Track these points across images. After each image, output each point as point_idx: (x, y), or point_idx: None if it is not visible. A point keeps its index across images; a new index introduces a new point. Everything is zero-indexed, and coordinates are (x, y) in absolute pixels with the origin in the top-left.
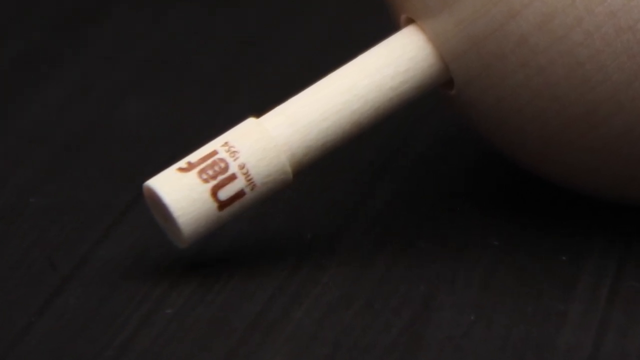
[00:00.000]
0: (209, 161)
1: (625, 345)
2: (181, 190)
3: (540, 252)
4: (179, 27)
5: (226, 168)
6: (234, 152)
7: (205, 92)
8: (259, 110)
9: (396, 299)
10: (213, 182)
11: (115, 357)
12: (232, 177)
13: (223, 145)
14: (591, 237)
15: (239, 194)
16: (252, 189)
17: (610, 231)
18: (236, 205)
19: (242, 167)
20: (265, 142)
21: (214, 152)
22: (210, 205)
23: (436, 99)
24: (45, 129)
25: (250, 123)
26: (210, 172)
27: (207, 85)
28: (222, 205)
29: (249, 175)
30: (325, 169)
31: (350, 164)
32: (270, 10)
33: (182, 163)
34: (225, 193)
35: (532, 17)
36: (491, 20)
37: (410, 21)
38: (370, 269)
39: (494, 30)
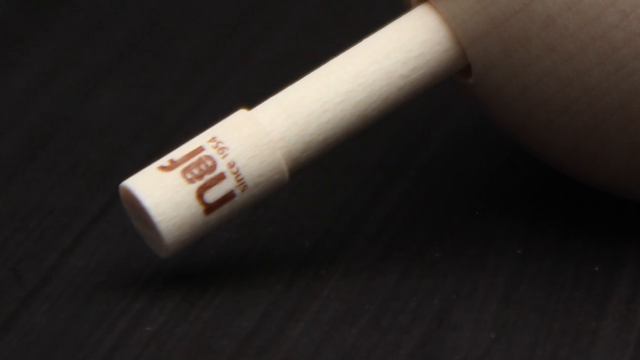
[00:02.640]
0: (194, 159)
1: None
2: (163, 192)
3: (569, 262)
4: (158, 5)
5: (213, 167)
6: (223, 148)
7: (189, 80)
8: (251, 100)
9: (406, 314)
10: (199, 183)
11: None
12: (221, 177)
13: (210, 141)
14: (627, 245)
15: (228, 196)
16: (242, 191)
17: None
18: (225, 208)
19: (231, 165)
20: (258, 137)
21: (200, 149)
22: (195, 209)
23: (453, 89)
24: (7, 122)
25: (240, 115)
26: (196, 171)
27: (192, 72)
28: (209, 208)
29: (239, 175)
30: (326, 168)
31: (356, 162)
32: None
33: (164, 161)
34: (212, 195)
35: None
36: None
37: (422, 0)
38: (378, 281)
39: (517, 10)
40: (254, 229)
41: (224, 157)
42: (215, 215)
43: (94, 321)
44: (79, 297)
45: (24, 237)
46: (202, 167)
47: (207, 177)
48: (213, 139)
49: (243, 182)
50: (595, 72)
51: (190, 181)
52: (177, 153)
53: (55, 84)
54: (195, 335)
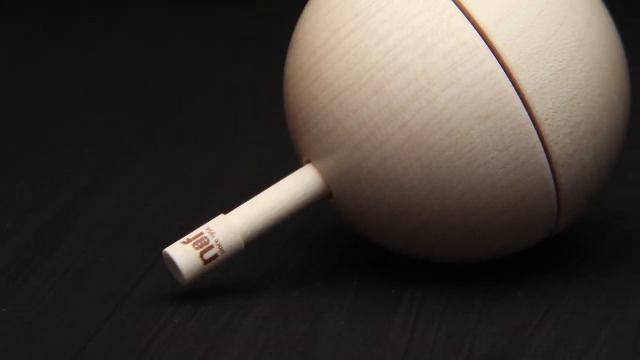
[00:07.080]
0: (198, 238)
1: (426, 340)
2: (183, 254)
3: (381, 288)
4: (180, 161)
5: (208, 241)
6: (212, 233)
7: (196, 198)
8: (226, 208)
9: (302, 314)
10: (200, 249)
11: (148, 344)
12: (211, 247)
13: (206, 229)
14: (407, 279)
15: (215, 256)
16: (222, 253)
17: (419, 275)
18: (213, 262)
19: (217, 241)
20: (230, 227)
21: (201, 233)
22: (198, 262)
23: (325, 205)
24: (108, 221)
25: (221, 217)
26: (199, 244)
27: (197, 195)
28: (206, 262)
29: (220, 246)
30: (263, 243)
31: (275, 240)
32: (225, 152)
33: (184, 239)
34: (207, 255)
35: (374, 159)
36: (352, 161)
37: (308, 161)
38: (287, 298)
39: (353, 167)
40: (228, 273)
41: (213, 237)
42: (209, 265)
43: (148, 317)
44: (140, 306)
45: (116, 275)
46: (202, 242)
47: (204, 247)
48: (208, 229)
49: (222, 249)
50: (394, 196)
51: (197, 248)
52: (190, 235)
53: (126, 199)
54: (199, 325)
